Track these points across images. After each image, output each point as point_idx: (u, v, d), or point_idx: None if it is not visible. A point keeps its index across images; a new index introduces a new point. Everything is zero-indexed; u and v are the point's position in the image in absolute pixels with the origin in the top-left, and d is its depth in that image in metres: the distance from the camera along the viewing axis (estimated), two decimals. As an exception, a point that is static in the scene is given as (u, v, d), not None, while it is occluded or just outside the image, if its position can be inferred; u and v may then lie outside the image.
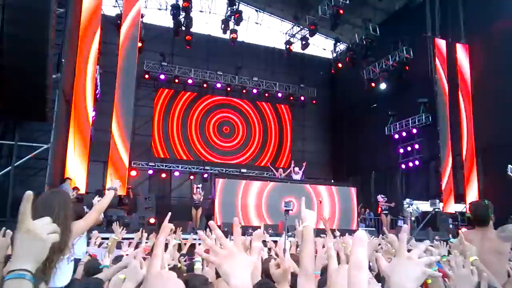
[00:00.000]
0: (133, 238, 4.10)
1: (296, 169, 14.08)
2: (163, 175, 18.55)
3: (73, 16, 10.19)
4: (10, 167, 8.48)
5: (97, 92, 14.00)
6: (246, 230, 9.46)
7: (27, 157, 8.70)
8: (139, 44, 13.88)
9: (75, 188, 9.41)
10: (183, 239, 4.68)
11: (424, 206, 13.72)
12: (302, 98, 21.68)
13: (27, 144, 8.83)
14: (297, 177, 14.00)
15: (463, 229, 3.84)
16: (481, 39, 14.47)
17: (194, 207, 12.39)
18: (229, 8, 17.35)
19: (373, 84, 19.30)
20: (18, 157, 8.64)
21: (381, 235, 11.08)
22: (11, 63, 7.65)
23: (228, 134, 20.86)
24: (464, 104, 14.73)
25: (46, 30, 7.83)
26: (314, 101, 21.89)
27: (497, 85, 13.33)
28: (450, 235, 9.83)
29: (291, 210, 8.01)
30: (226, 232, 9.41)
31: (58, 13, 8.65)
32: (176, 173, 18.73)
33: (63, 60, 9.37)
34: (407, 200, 13.64)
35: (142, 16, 14.73)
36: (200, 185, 12.89)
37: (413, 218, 13.12)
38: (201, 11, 19.55)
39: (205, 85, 19.67)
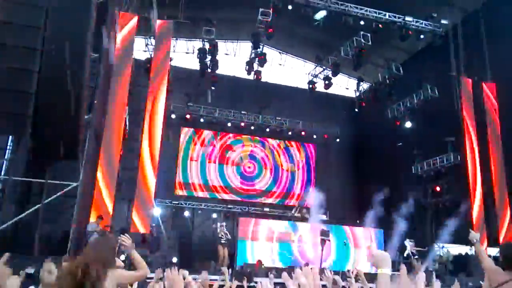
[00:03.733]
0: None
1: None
2: (186, 213, 18.56)
3: (106, 60, 10.76)
4: (39, 205, 8.74)
5: (125, 131, 14.46)
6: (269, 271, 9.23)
7: (56, 195, 8.95)
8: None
9: (100, 217, 9.55)
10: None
11: (456, 249, 13.07)
12: (326, 136, 21.64)
13: (56, 182, 9.11)
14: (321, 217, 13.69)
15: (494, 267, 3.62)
16: (508, 77, 14.23)
17: (222, 245, 11.78)
18: (253, 51, 17.88)
19: (397, 123, 19.12)
20: (48, 194, 8.90)
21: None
22: (47, 105, 8.10)
23: (254, 176, 20.85)
24: (494, 144, 14.31)
25: (81, 73, 8.31)
26: (337, 139, 21.80)
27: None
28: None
29: (329, 240, 7.46)
30: (250, 273, 9.19)
31: (92, 58, 9.19)
32: (199, 211, 18.72)
33: (95, 101, 9.82)
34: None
35: (170, 60, 15.38)
36: (224, 223, 12.69)
37: (438, 264, 12.48)
38: (226, 54, 20.25)
39: (229, 124, 20.03)
